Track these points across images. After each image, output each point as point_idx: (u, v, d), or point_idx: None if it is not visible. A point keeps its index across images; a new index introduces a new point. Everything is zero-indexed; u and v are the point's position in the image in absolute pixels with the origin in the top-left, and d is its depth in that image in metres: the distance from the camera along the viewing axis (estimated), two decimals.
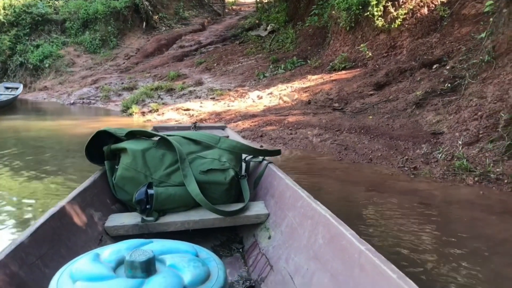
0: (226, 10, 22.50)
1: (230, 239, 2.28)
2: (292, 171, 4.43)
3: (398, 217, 3.09)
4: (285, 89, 8.62)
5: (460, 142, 4.60)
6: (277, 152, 2.68)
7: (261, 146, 2.47)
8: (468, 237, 2.70)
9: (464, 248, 2.54)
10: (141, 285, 1.06)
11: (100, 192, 2.16)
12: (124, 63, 16.59)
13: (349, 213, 3.18)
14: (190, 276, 1.11)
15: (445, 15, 8.07)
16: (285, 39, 12.37)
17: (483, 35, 6.00)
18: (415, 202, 3.40)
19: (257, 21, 16.86)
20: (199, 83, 11.06)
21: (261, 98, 8.46)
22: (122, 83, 12.92)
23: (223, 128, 4.00)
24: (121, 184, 2.17)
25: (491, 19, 5.94)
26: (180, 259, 1.18)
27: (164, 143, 2.27)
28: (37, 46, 17.10)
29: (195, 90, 10.30)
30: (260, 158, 2.63)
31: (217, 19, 21.18)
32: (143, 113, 9.03)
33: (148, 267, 1.11)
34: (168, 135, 2.37)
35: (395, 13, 8.34)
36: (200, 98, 9.60)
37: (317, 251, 1.61)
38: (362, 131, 5.64)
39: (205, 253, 1.30)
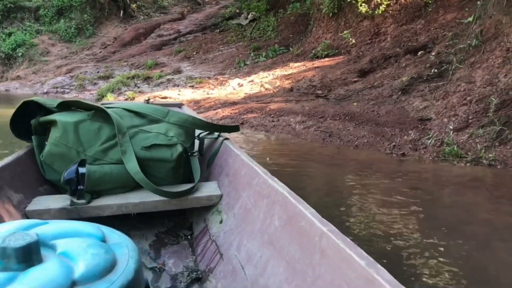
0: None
1: (178, 225, 1.98)
2: (275, 155, 4.19)
3: (387, 202, 2.87)
4: (266, 77, 8.35)
5: (451, 127, 4.41)
6: (235, 128, 2.36)
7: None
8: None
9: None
10: (11, 281, 0.76)
11: (24, 172, 1.83)
12: (100, 52, 16.09)
13: (337, 200, 2.95)
14: (84, 267, 0.81)
15: (430, 1, 7.90)
16: (266, 27, 12.09)
17: (470, 19, 5.83)
18: (404, 186, 3.20)
19: (237, 10, 16.51)
20: (178, 71, 10.71)
21: (241, 85, 8.18)
22: (98, 72, 12.48)
23: (179, 106, 3.59)
24: (50, 162, 1.85)
25: (478, 3, 5.77)
26: (78, 245, 0.86)
27: (101, 115, 1.94)
28: (9, 34, 16.45)
29: (173, 78, 9.96)
30: (216, 134, 2.33)
31: (196, 8, 20.75)
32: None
33: (28, 256, 0.79)
34: (108, 107, 2.05)
35: None
36: (178, 86, 9.27)
37: (272, 235, 1.36)
38: (347, 118, 5.42)
39: (117, 237, 0.98)
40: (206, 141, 2.34)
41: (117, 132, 1.86)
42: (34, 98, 1.98)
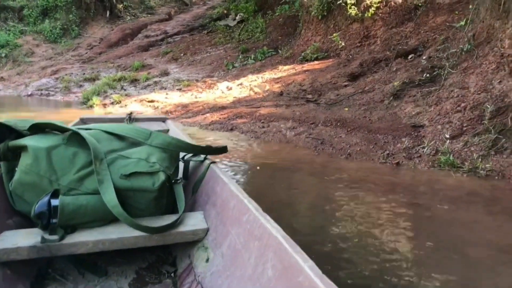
0: (193, 0, 21.85)
1: (160, 259, 1.80)
2: (266, 164, 4.06)
3: (383, 221, 2.75)
4: (255, 80, 8.21)
5: (447, 136, 4.31)
6: (223, 150, 2.17)
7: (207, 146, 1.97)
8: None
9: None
10: None
11: None
12: (86, 53, 15.82)
13: (329, 215, 2.83)
14: None
15: (420, 4, 7.83)
16: (255, 28, 11.96)
17: (462, 23, 5.76)
18: (401, 201, 3.08)
19: (225, 11, 16.36)
20: (165, 73, 10.53)
21: (230, 89, 8.03)
22: (84, 73, 12.24)
23: (163, 120, 3.40)
24: (19, 192, 1.68)
25: (470, 7, 5.70)
26: None
27: (77, 138, 1.77)
28: None
29: (160, 80, 9.77)
30: (202, 157, 2.16)
31: (184, 9, 20.53)
32: (104, 105, 8.47)
33: None
34: (85, 128, 1.89)
35: (368, 2, 8.05)
36: (165, 89, 9.09)
37: (265, 286, 1.19)
38: (339, 124, 5.31)
39: None
40: (191, 164, 2.18)
41: (94, 158, 1.68)
42: (3, 120, 1.79)
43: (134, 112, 3.24)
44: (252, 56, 10.04)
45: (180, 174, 2.06)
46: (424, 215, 2.80)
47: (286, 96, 6.92)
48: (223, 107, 6.89)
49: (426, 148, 4.18)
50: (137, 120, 3.21)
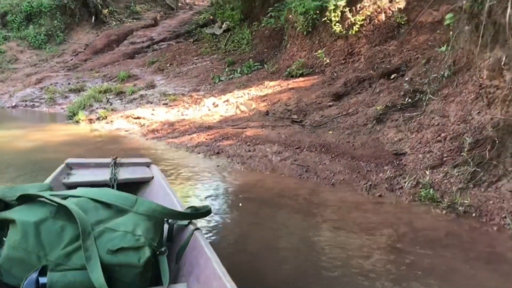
0: (180, 4, 21.81)
1: None
2: (249, 199, 4.15)
3: (363, 269, 2.86)
4: (242, 96, 8.29)
5: (426, 171, 4.44)
6: (206, 213, 2.25)
7: (190, 207, 2.03)
8: None
9: None
10: None
11: None
12: (71, 59, 15.73)
13: (313, 263, 2.93)
14: None
15: (403, 22, 7.98)
16: (241, 39, 12.02)
17: (443, 48, 5.89)
18: (383, 244, 3.20)
19: (211, 17, 16.40)
20: (151, 85, 10.55)
21: (217, 106, 8.10)
22: (69, 83, 12.20)
23: (148, 165, 3.45)
24: (7, 267, 1.71)
25: (451, 33, 5.83)
26: None
27: (65, 211, 1.82)
28: None
29: (146, 94, 9.80)
30: (186, 221, 2.23)
31: (170, 14, 20.49)
32: (90, 121, 8.48)
33: None
34: (72, 195, 1.95)
35: (352, 19, 8.17)
36: (152, 103, 9.12)
37: None
38: (323, 149, 5.42)
39: None
40: (176, 226, 2.26)
41: (81, 233, 1.75)
42: None
43: (118, 158, 3.30)
44: (238, 69, 10.11)
45: (164, 240, 2.14)
46: (404, 262, 2.91)
47: (271, 116, 7.01)
48: (209, 127, 6.96)
49: (407, 183, 4.29)
50: (121, 164, 3.27)
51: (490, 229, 3.45)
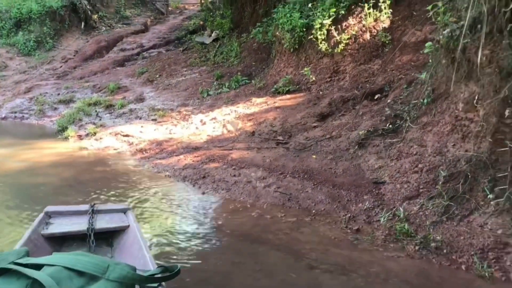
0: (170, 9, 21.88)
1: None
2: (233, 235, 4.31)
3: None
4: (229, 114, 8.44)
5: (403, 203, 4.61)
6: (175, 274, 2.38)
7: (160, 267, 2.19)
8: None
9: None
10: None
11: None
12: (61, 66, 15.77)
13: None
14: None
15: (387, 41, 8.15)
16: (230, 51, 12.16)
17: (423, 75, 6.06)
18: (357, 286, 3.37)
19: (201, 22, 16.52)
20: (140, 99, 10.66)
21: (204, 123, 8.24)
22: (58, 94, 12.25)
23: (124, 211, 3.58)
24: None
25: (430, 61, 6.00)
26: None
27: (39, 284, 1.94)
28: None
29: (136, 108, 9.91)
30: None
31: (160, 19, 20.57)
32: (79, 137, 8.58)
33: None
34: (47, 264, 2.08)
35: (338, 37, 8.32)
36: (141, 119, 9.24)
37: None
38: (306, 176, 5.58)
39: None
40: None
41: None
42: None
43: (96, 204, 3.47)
44: (227, 84, 10.24)
45: None
46: None
47: (257, 137, 7.16)
48: (196, 148, 7.10)
49: (383, 218, 4.46)
50: (99, 211, 3.43)
51: (459, 268, 3.63)
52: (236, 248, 4.05)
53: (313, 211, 4.83)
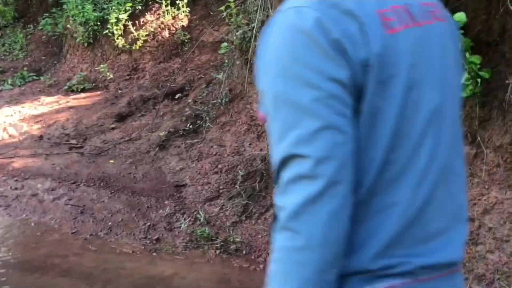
0: None
1: None
2: (13, 263, 3.65)
3: None
4: (12, 115, 7.33)
5: (204, 205, 4.53)
6: None
7: None
8: None
9: None
10: None
11: None
12: None
13: None
14: None
15: (186, 40, 8.08)
16: (14, 43, 10.66)
17: (220, 76, 6.12)
18: None
19: None
20: None
21: None
22: None
23: None
24: None
25: (226, 61, 6.09)
26: None
27: None
28: None
29: None
30: None
31: None
32: None
33: None
34: None
35: (136, 34, 7.94)
36: None
37: None
38: (102, 183, 5.11)
39: None
40: None
41: None
42: None
43: None
44: (10, 80, 8.92)
45: None
46: None
47: (46, 142, 6.35)
48: None
49: (183, 223, 4.30)
50: None
51: (258, 268, 3.68)
52: (16, 281, 3.42)
53: (109, 223, 4.41)
